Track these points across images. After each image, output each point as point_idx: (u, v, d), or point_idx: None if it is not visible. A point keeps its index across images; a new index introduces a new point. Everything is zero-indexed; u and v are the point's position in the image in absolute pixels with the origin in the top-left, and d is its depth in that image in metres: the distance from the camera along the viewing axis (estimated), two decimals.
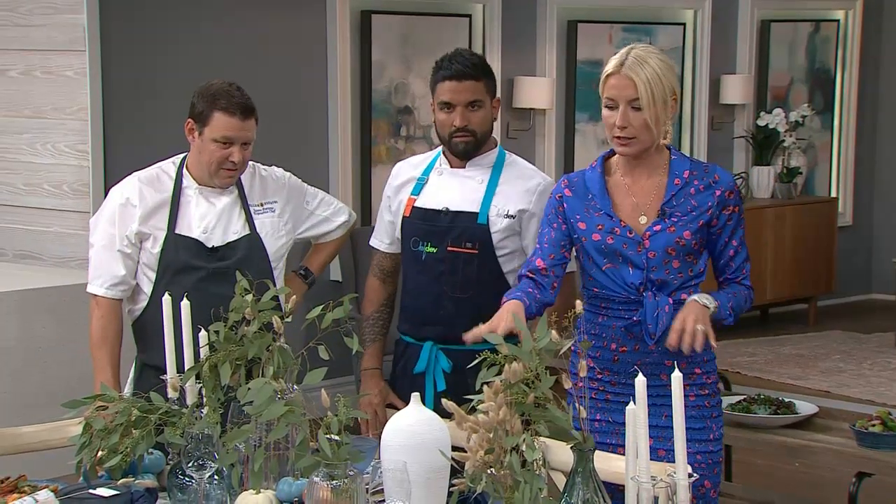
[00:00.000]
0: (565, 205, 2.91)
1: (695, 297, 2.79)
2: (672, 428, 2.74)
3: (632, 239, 2.82)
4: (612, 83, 2.79)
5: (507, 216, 3.19)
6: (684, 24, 7.44)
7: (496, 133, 6.53)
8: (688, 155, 2.94)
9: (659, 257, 2.81)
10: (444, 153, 3.29)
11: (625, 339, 2.85)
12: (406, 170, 3.35)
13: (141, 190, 3.22)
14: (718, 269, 2.91)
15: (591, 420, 2.89)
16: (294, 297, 2.75)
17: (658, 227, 2.82)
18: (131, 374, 3.31)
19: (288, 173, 3.41)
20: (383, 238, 3.38)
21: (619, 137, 2.80)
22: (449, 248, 3.20)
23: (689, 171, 2.85)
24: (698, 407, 2.84)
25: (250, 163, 3.32)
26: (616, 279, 2.85)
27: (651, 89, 2.75)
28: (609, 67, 2.81)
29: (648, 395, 2.57)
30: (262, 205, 3.29)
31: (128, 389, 3.21)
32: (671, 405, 2.74)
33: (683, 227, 2.81)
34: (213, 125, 3.13)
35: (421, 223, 3.24)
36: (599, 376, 2.88)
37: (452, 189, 3.24)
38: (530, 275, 2.90)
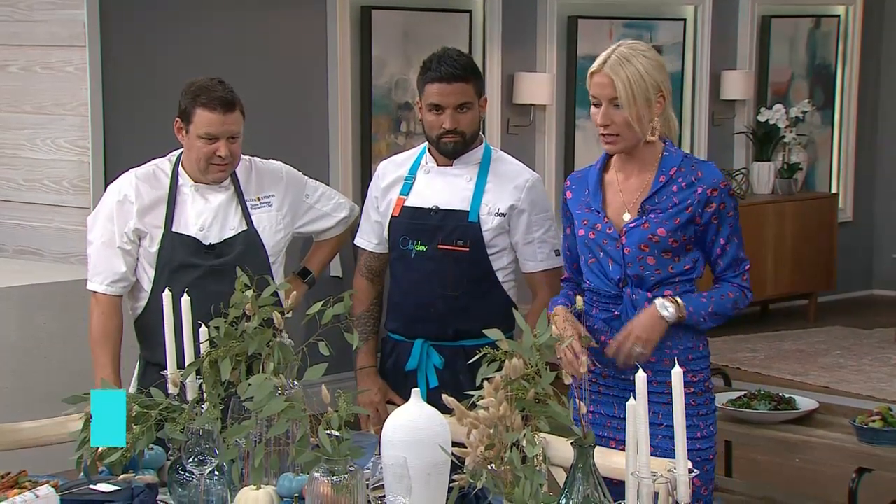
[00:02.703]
0: (569, 206, 2.97)
1: (657, 302, 2.79)
2: (660, 425, 2.75)
3: (610, 235, 2.84)
4: (594, 81, 2.82)
5: (498, 214, 3.20)
6: (685, 20, 7.43)
7: (497, 130, 6.61)
8: (684, 151, 2.92)
9: (633, 253, 2.82)
10: (429, 151, 3.28)
11: (612, 332, 2.86)
12: (391, 169, 3.34)
13: (138, 186, 3.22)
14: (711, 266, 2.90)
15: (594, 413, 2.89)
16: (294, 293, 2.75)
17: (634, 224, 2.83)
18: (136, 373, 3.31)
19: (286, 166, 3.40)
20: (370, 238, 3.37)
21: (603, 134, 2.83)
22: (439, 247, 3.20)
23: (678, 167, 2.84)
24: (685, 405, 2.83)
25: (246, 157, 3.31)
26: (599, 274, 2.88)
27: (631, 88, 2.76)
28: (594, 65, 2.83)
29: (648, 393, 2.57)
30: (258, 199, 3.28)
31: (132, 388, 3.21)
32: (658, 402, 2.75)
33: (659, 224, 2.81)
34: (197, 122, 3.13)
35: (410, 222, 3.24)
36: (593, 368, 2.88)
37: (441, 187, 3.24)
38: (570, 283, 3.02)
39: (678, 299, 2.80)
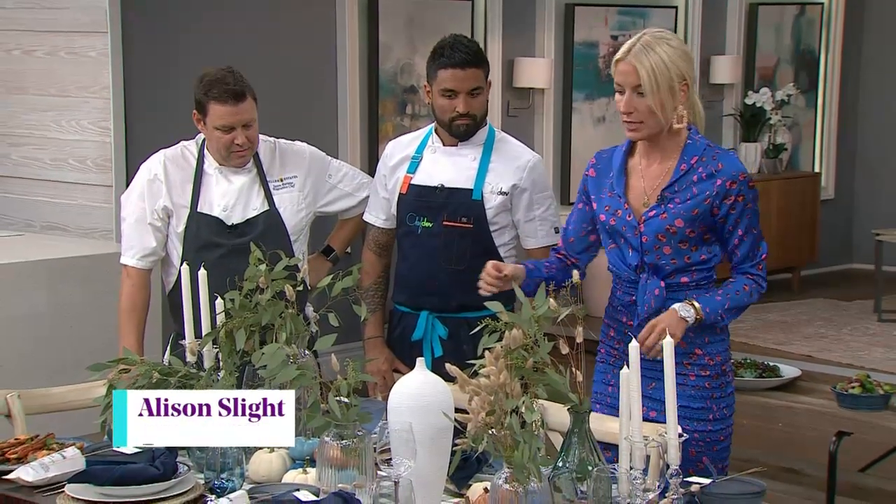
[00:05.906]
0: (588, 184, 2.87)
1: (676, 306, 2.68)
2: (680, 406, 2.72)
3: (630, 222, 2.76)
4: (618, 69, 2.71)
5: (501, 193, 3.19)
6: (676, 8, 7.40)
7: (497, 112, 6.58)
8: (707, 140, 2.79)
9: (650, 242, 2.74)
10: (436, 131, 3.27)
11: (631, 315, 2.79)
12: (399, 149, 3.32)
13: (166, 166, 3.24)
14: (728, 256, 2.79)
15: (613, 387, 2.84)
16: (305, 267, 2.75)
17: (653, 213, 2.74)
18: (169, 345, 3.31)
19: (310, 147, 3.39)
20: (379, 214, 3.36)
21: (626, 122, 2.73)
22: (444, 223, 3.20)
23: (699, 157, 2.73)
24: (698, 387, 2.75)
25: (272, 139, 3.32)
26: (619, 259, 2.80)
27: (655, 77, 2.65)
28: (618, 53, 2.71)
29: (653, 370, 2.56)
30: (281, 180, 3.28)
31: (166, 358, 3.21)
32: (679, 382, 2.72)
33: (677, 214, 2.71)
34: (211, 115, 3.13)
35: (417, 199, 3.23)
36: (618, 346, 2.83)
37: (447, 167, 3.22)
38: (559, 254, 2.92)
39: (695, 302, 2.69)
